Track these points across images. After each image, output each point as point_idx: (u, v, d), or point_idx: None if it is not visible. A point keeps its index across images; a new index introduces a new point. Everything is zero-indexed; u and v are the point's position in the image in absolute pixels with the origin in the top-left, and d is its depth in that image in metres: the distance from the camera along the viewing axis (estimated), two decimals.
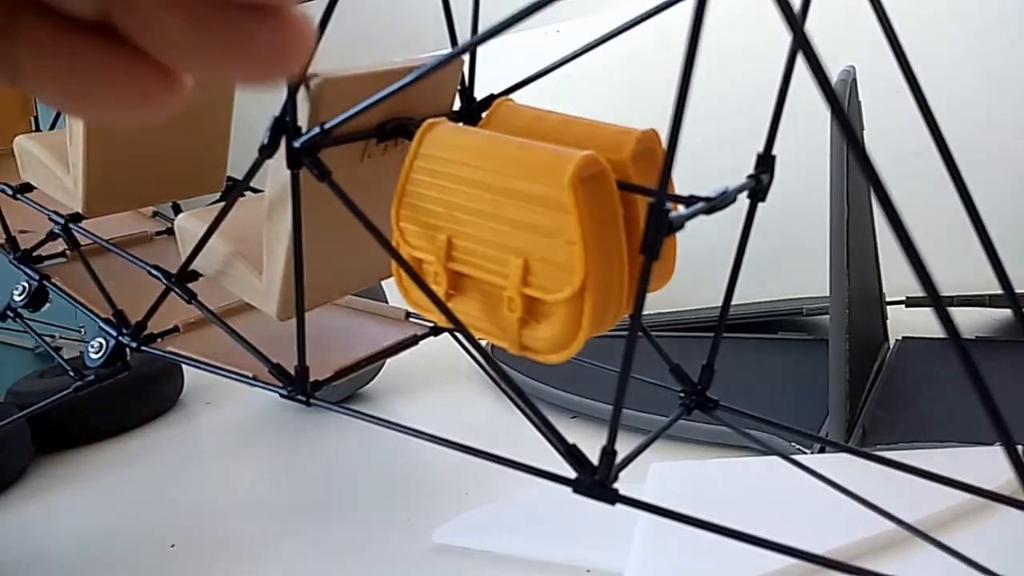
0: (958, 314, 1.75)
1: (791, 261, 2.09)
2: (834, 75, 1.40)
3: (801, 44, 0.57)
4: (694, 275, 1.51)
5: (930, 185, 1.53)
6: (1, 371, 2.48)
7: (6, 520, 1.68)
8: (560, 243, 0.73)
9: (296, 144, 0.79)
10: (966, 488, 0.84)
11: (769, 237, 2.08)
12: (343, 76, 0.85)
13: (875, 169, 0.61)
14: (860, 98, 1.53)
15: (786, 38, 0.61)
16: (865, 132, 1.58)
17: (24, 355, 2.91)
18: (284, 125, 0.80)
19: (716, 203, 0.71)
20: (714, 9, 0.60)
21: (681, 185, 0.82)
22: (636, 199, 0.80)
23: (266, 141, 0.81)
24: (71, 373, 1.22)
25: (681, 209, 0.71)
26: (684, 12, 0.63)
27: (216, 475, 1.79)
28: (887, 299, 1.75)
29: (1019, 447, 0.63)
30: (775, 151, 0.85)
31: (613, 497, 0.76)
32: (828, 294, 1.35)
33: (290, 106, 0.80)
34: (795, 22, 0.56)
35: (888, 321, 1.73)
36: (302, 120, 0.82)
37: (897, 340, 1.70)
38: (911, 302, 1.77)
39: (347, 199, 0.80)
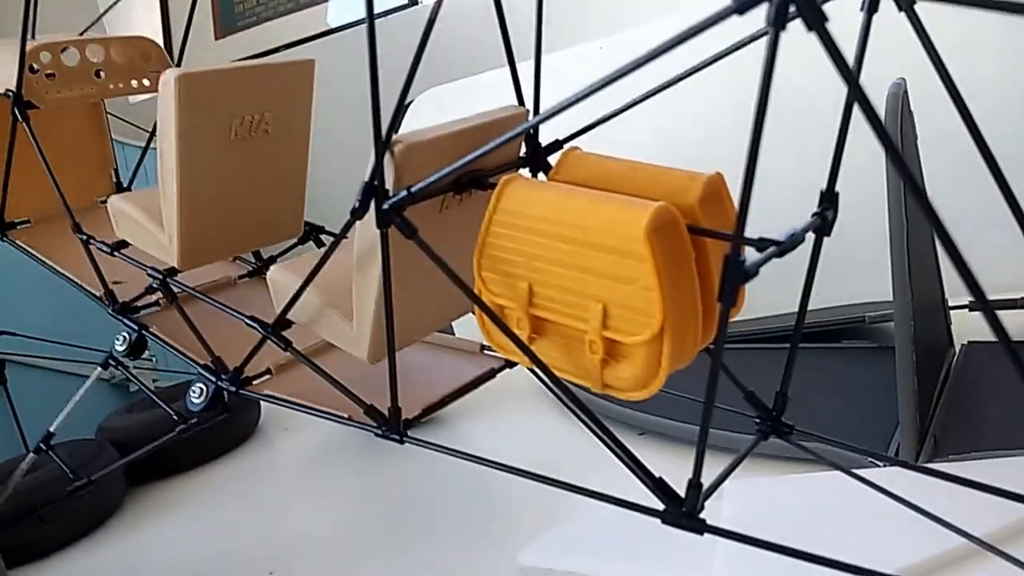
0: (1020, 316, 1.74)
1: (850, 267, 2.08)
2: (885, 89, 1.41)
3: (857, 97, 0.61)
4: (757, 281, 1.53)
5: (992, 185, 1.53)
6: (88, 406, 2.58)
7: (105, 553, 1.77)
8: (638, 290, 0.78)
9: (385, 206, 0.86)
10: None
11: (827, 243, 2.09)
12: (423, 141, 0.91)
13: (923, 192, 0.64)
14: (912, 108, 1.54)
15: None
16: (919, 140, 1.58)
17: (101, 386, 3.04)
18: (374, 189, 0.87)
19: (786, 246, 0.75)
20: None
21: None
22: (706, 240, 0.85)
23: (358, 204, 0.88)
24: (175, 417, 1.30)
25: (752, 253, 0.75)
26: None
27: (301, 500, 1.87)
28: (950, 303, 1.74)
29: None
30: (819, 161, 0.89)
31: (702, 528, 0.80)
32: (890, 299, 1.36)
33: (379, 172, 0.86)
34: (850, 76, 0.60)
35: (952, 326, 1.73)
36: (388, 182, 0.88)
37: (963, 345, 1.70)
38: (975, 306, 1.76)
39: (433, 254, 0.86)
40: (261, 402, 2.31)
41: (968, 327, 1.72)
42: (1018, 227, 0.87)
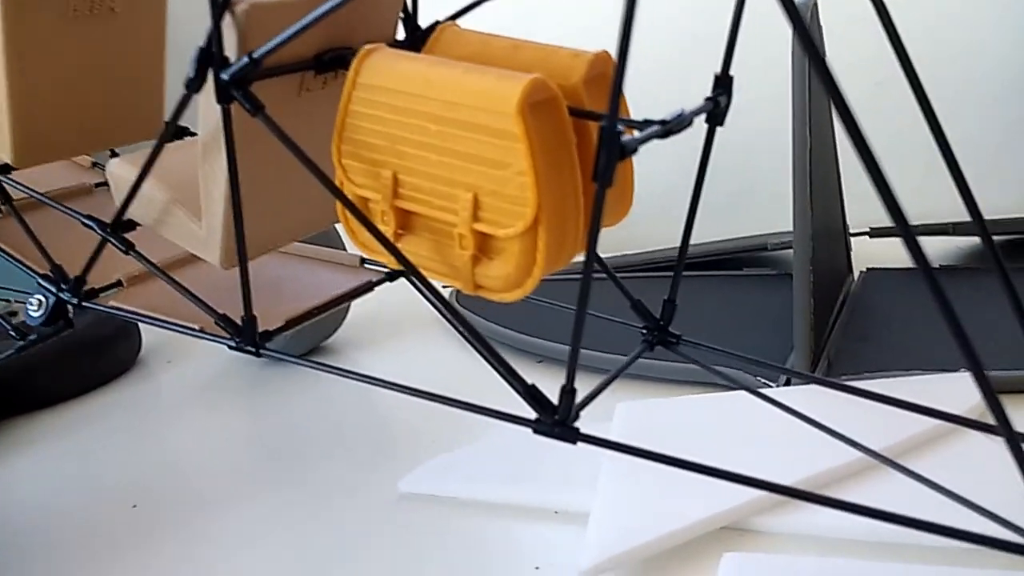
0: (921, 244, 1.76)
1: (755, 197, 2.07)
2: None
3: None
4: (655, 214, 1.48)
5: (889, 117, 1.51)
6: None
7: None
8: (510, 175, 0.69)
9: (224, 76, 0.74)
10: (931, 413, 0.83)
11: (732, 173, 2.06)
12: (271, 1, 0.79)
13: (839, 87, 0.58)
14: (822, 24, 1.49)
15: None
16: (827, 61, 1.54)
17: None
18: (210, 56, 0.75)
19: (672, 126, 0.67)
20: None
21: (641, 111, 0.79)
22: (590, 127, 0.76)
23: (192, 74, 0.76)
24: (12, 333, 1.17)
25: (635, 134, 0.68)
26: None
27: (178, 434, 1.75)
28: (851, 231, 1.74)
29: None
30: (733, 71, 0.82)
31: (574, 436, 0.74)
32: (792, 228, 1.33)
33: (215, 36, 0.74)
34: None
35: (852, 253, 1.73)
36: (231, 51, 0.77)
37: (862, 272, 1.70)
38: (875, 233, 1.77)
39: (282, 134, 0.75)
40: (142, 330, 2.17)
41: (867, 254, 1.72)
42: (942, 157, 0.82)
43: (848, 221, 1.72)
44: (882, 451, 0.91)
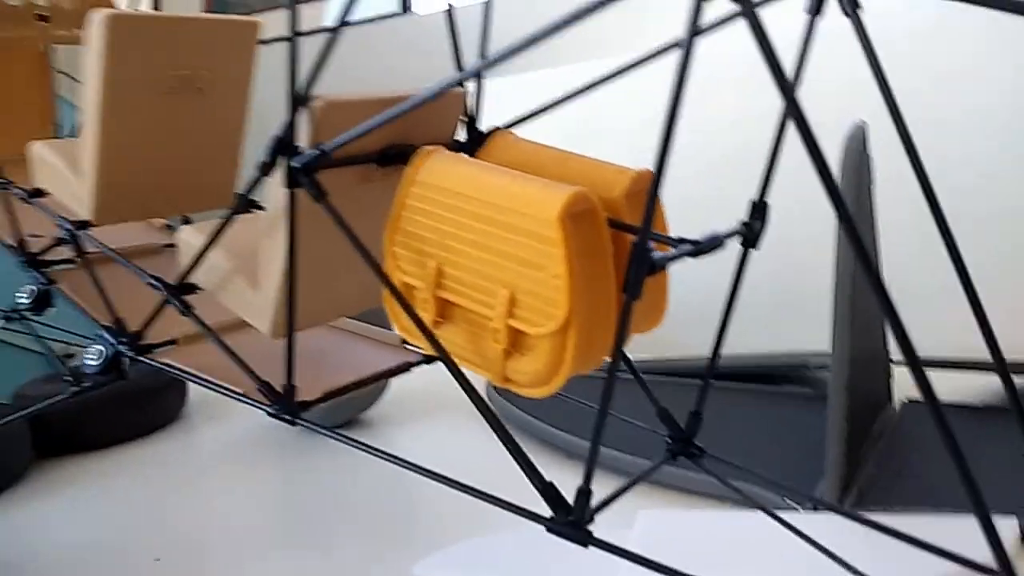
0: (966, 379, 1.72)
1: (802, 313, 2.06)
2: (845, 129, 1.39)
3: (793, 112, 0.57)
4: (697, 320, 1.49)
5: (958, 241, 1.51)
6: (12, 373, 2.48)
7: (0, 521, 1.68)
8: (547, 277, 0.73)
9: (295, 164, 0.81)
10: (949, 556, 0.82)
11: (779, 288, 2.06)
12: (346, 100, 0.86)
13: (860, 237, 0.61)
14: (872, 153, 1.52)
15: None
16: (875, 186, 1.56)
17: (35, 358, 2.93)
18: (284, 145, 0.81)
19: (703, 247, 0.71)
20: (719, 60, 0.61)
21: (684, 230, 0.82)
22: (627, 238, 0.80)
23: (265, 159, 0.83)
24: (68, 379, 1.22)
25: (669, 250, 0.71)
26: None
27: (210, 490, 1.79)
28: (894, 359, 1.72)
29: (1011, 520, 0.62)
30: (772, 198, 0.85)
31: (586, 539, 0.75)
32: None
33: (290, 126, 0.81)
34: (787, 87, 0.56)
35: (894, 382, 1.70)
36: (304, 141, 0.83)
37: (903, 402, 1.67)
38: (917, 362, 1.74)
39: (341, 221, 0.81)
40: (188, 384, 2.24)
41: (911, 385, 1.69)
42: (963, 291, 0.84)
43: (891, 348, 1.70)
44: None
